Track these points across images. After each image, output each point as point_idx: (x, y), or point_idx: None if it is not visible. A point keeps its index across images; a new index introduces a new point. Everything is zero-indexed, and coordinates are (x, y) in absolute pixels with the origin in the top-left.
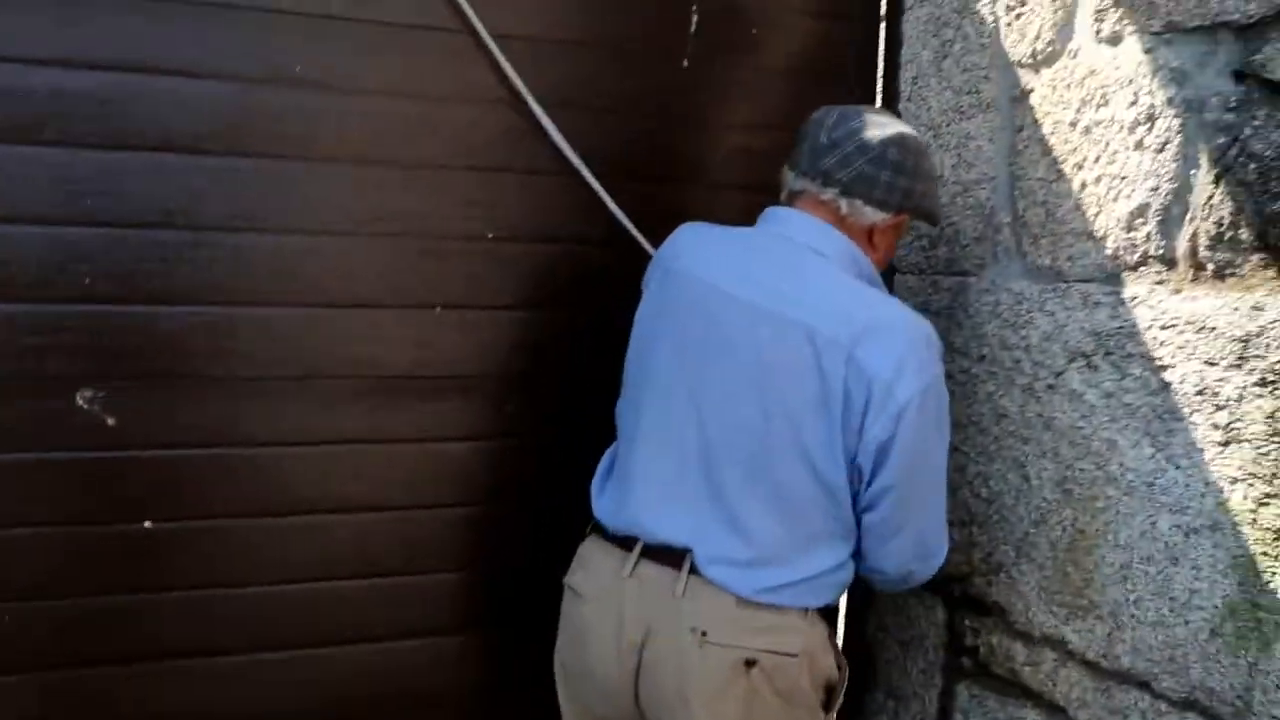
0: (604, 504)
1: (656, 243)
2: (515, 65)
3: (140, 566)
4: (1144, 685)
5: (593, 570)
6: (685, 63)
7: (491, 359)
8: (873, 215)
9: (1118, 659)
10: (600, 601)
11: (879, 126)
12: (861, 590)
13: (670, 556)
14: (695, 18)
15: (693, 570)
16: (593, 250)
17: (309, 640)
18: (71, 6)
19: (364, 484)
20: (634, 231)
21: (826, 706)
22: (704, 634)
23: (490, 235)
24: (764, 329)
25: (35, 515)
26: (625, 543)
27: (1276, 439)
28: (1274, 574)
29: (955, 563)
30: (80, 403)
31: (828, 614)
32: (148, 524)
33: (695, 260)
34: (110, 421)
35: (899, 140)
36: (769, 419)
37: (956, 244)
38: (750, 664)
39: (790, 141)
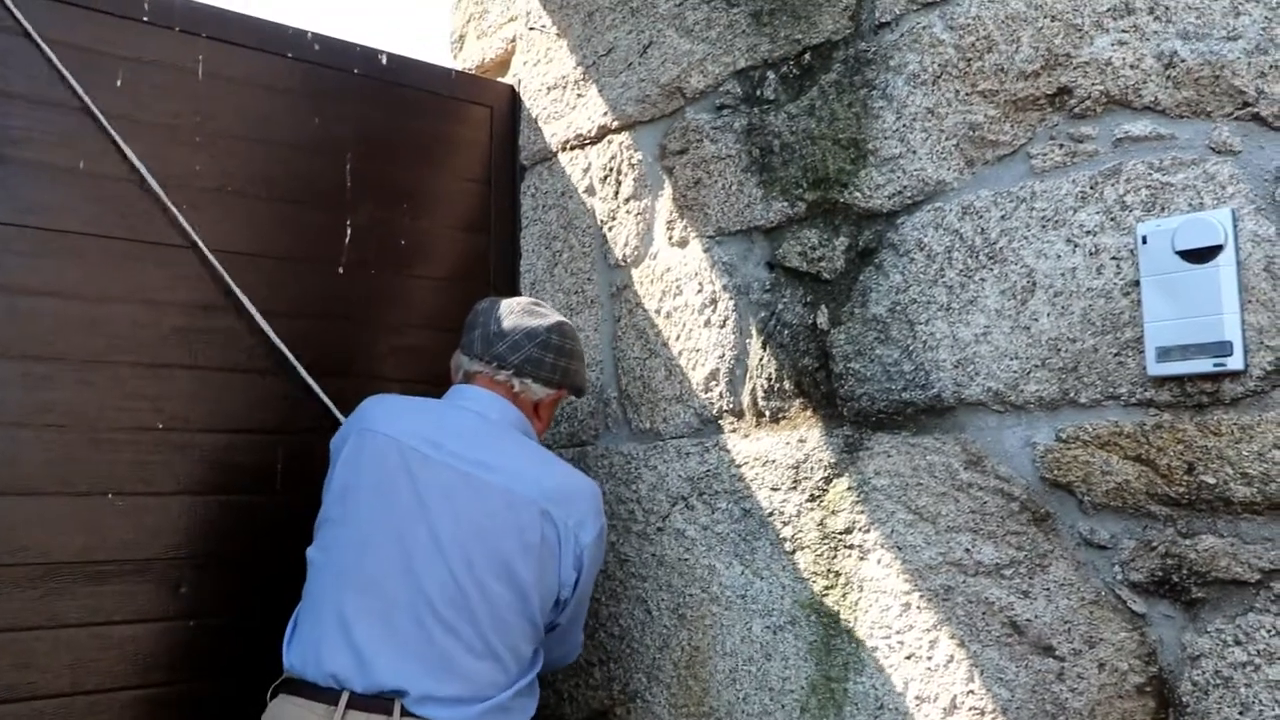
0: (299, 656)
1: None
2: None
3: None
4: None
5: None
6: (341, 270)
7: (164, 543)
8: (540, 391)
9: None
10: None
11: (539, 317)
12: None
13: (380, 703)
14: (349, 231)
15: (404, 712)
16: (266, 439)
17: None
18: None
19: (29, 671)
20: (333, 409)
21: None
22: None
23: (160, 425)
24: (463, 489)
25: None
26: (326, 694)
27: (827, 541)
28: (837, 651)
29: (599, 698)
30: None
31: None
32: None
33: (391, 425)
34: None
35: (559, 328)
36: (474, 568)
37: (575, 419)
38: None
39: (439, 340)
